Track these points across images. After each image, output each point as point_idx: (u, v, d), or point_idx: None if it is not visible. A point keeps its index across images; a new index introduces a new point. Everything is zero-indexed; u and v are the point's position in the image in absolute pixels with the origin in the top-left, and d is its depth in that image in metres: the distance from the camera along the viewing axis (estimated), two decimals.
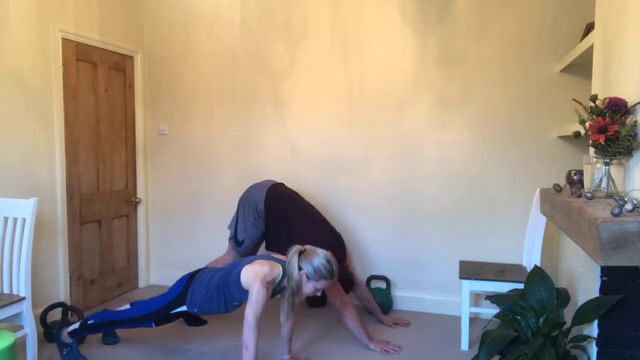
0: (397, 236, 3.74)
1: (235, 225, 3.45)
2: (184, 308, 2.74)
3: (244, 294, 2.58)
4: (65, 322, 3.06)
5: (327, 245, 2.85)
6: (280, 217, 3.30)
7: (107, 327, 2.84)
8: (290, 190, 3.45)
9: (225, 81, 4.08)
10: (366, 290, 3.48)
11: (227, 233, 4.14)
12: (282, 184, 3.47)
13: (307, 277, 2.54)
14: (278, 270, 2.57)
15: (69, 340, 2.83)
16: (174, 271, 4.31)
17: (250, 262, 2.62)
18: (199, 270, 2.83)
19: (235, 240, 3.43)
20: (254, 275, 2.50)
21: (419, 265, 3.71)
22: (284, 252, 2.71)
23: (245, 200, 3.41)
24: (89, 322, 2.81)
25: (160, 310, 2.75)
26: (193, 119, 4.18)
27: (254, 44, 3.98)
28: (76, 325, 2.83)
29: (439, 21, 3.55)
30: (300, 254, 2.57)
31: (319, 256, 2.55)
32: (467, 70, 3.52)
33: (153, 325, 2.78)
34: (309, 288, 2.57)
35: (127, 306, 2.97)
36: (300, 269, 2.53)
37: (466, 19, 3.49)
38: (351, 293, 3.41)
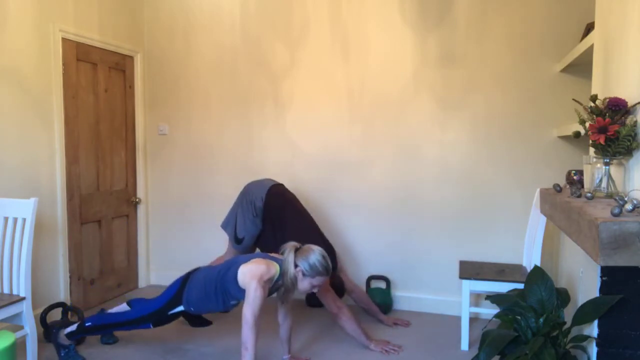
0: (397, 236, 3.74)
1: (234, 223, 3.43)
2: (181, 308, 2.74)
3: (242, 292, 2.58)
4: (65, 322, 3.05)
5: None
6: (277, 218, 3.29)
7: (105, 329, 2.84)
8: (290, 193, 3.45)
9: (225, 81, 4.08)
10: (364, 294, 3.47)
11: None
12: (282, 185, 3.46)
13: (303, 274, 2.55)
14: (275, 268, 2.57)
15: (66, 342, 2.82)
16: (174, 271, 4.31)
17: (247, 260, 2.62)
18: (195, 270, 2.82)
19: (235, 238, 3.42)
20: (251, 274, 2.50)
21: (419, 265, 3.71)
22: (274, 251, 2.71)
23: (244, 197, 3.40)
24: (86, 325, 2.81)
25: (157, 312, 2.75)
26: (193, 119, 4.18)
27: (253, 44, 3.98)
28: (73, 328, 2.83)
29: (439, 21, 3.55)
30: (296, 250, 2.59)
31: (315, 252, 2.57)
32: (467, 70, 3.52)
33: (151, 326, 2.78)
34: (305, 285, 2.58)
35: (124, 305, 2.96)
36: (296, 266, 2.55)
37: (466, 19, 3.49)
38: (346, 297, 3.43)
